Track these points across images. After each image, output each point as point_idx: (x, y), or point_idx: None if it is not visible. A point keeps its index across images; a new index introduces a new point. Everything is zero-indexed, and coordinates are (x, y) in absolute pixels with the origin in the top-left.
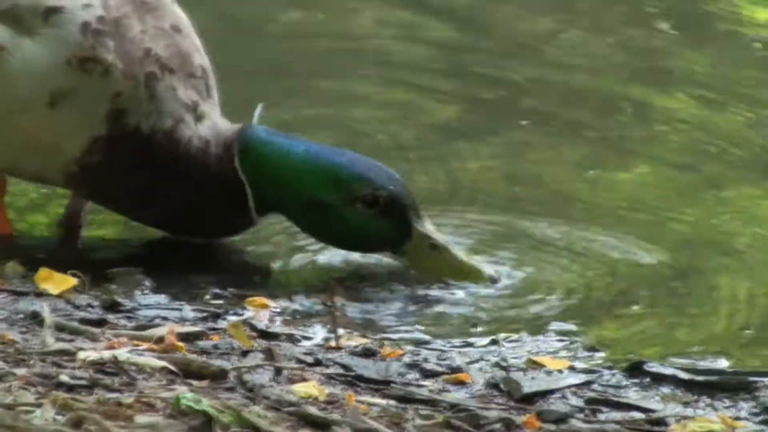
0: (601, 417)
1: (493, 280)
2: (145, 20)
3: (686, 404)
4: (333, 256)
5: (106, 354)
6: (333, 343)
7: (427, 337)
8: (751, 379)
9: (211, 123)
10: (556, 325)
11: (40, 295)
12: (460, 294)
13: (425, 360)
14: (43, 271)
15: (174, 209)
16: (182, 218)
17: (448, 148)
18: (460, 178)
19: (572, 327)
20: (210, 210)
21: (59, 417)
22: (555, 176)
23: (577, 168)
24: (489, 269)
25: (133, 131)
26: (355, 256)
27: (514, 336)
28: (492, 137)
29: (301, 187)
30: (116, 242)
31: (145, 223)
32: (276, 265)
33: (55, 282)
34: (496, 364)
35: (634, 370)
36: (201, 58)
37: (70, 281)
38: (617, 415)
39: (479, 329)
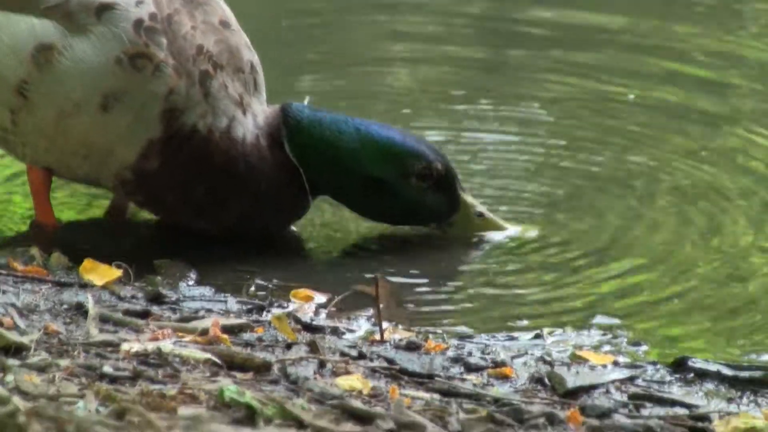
0: (645, 412)
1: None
2: (195, 16)
3: (730, 400)
4: (378, 246)
5: (150, 346)
6: (377, 336)
7: (471, 331)
8: None
9: (254, 113)
10: (599, 319)
11: (85, 286)
12: (504, 285)
13: (469, 354)
14: (88, 262)
15: (241, 212)
16: (249, 219)
17: None
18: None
19: (616, 321)
20: (274, 202)
21: (102, 408)
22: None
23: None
24: (519, 228)
25: (191, 132)
26: (401, 248)
27: (558, 330)
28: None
29: (355, 164)
30: (161, 233)
31: (206, 232)
32: (320, 256)
33: (100, 273)
34: (540, 359)
35: (678, 365)
36: (250, 54)
37: (115, 272)
38: (661, 410)
39: (524, 322)
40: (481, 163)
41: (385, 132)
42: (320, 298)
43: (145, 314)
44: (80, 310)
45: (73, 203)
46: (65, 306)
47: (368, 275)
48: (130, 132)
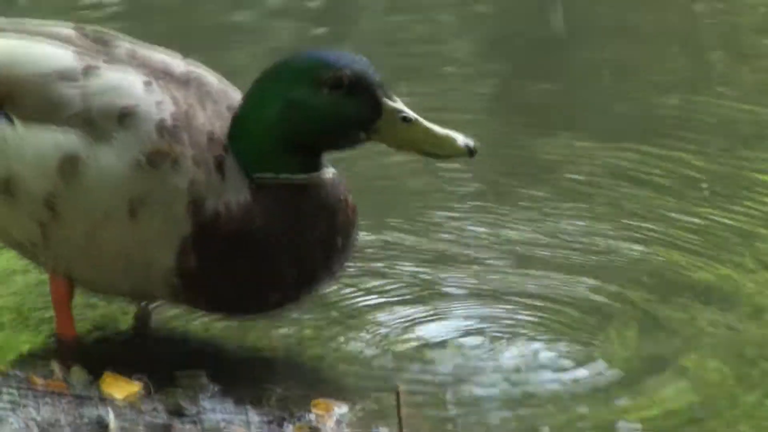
0: None
1: (470, 151)
2: (206, 106)
3: None
4: (397, 351)
5: None
6: None
7: None
8: None
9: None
10: None
11: (105, 400)
12: (515, 384)
13: None
14: (108, 376)
15: (297, 269)
16: (303, 275)
17: None
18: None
19: None
20: (316, 243)
21: None
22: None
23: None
24: (462, 138)
25: (214, 216)
26: (419, 353)
27: None
28: None
29: (273, 99)
30: (182, 340)
31: (279, 307)
32: (341, 364)
33: (120, 387)
34: None
35: None
36: None
37: (135, 386)
38: None
39: None
40: None
41: (292, 58)
42: (341, 408)
43: (166, 428)
44: (101, 424)
45: (94, 313)
46: (86, 420)
47: (390, 385)
48: (162, 235)
